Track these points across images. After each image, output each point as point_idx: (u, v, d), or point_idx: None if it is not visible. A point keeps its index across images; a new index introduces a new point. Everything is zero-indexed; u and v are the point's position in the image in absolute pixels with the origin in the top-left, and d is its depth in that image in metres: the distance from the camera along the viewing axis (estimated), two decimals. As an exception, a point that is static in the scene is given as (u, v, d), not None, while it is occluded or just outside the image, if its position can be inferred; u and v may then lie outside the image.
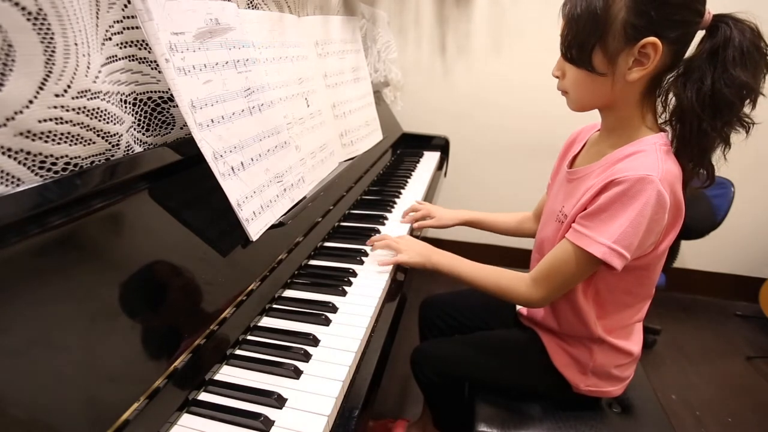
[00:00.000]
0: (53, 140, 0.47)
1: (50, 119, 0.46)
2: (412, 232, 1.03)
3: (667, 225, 0.64)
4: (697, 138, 0.62)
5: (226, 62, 0.69)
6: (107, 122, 0.53)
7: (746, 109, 0.61)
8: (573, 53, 0.64)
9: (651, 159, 0.62)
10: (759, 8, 0.61)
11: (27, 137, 0.44)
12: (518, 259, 2.06)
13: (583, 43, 0.63)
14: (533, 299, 0.72)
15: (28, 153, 0.45)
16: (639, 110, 0.67)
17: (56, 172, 0.49)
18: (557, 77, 0.71)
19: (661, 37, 0.59)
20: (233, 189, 0.66)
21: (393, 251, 0.86)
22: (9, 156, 0.44)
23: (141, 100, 0.62)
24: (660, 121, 0.68)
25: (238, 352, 0.62)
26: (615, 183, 0.62)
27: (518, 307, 0.93)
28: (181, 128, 0.68)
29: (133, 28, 0.58)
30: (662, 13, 0.58)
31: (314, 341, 0.64)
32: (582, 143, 0.81)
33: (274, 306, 0.72)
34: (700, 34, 0.63)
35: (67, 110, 0.47)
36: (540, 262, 0.72)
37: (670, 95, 0.65)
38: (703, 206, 1.46)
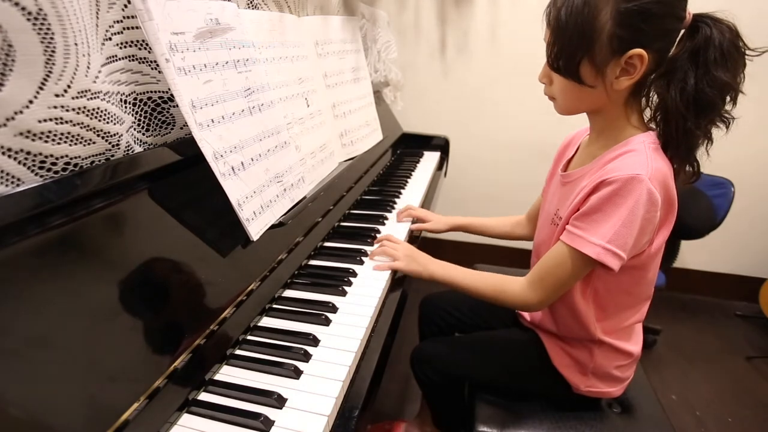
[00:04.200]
0: (53, 140, 0.47)
1: (50, 119, 0.46)
2: (412, 234, 1.04)
3: (659, 221, 0.65)
4: (683, 136, 0.63)
5: (226, 62, 0.69)
6: (107, 122, 0.53)
7: (727, 106, 0.63)
8: (560, 64, 0.65)
9: (640, 158, 0.62)
10: (736, 7, 0.62)
11: (27, 137, 0.44)
12: (517, 260, 2.05)
13: (570, 55, 0.63)
14: (531, 302, 0.72)
15: (28, 153, 0.45)
16: (624, 111, 0.68)
17: (56, 172, 0.49)
18: (544, 83, 0.72)
19: (647, 47, 0.60)
20: (234, 189, 0.66)
21: (391, 258, 0.86)
22: (9, 156, 0.44)
23: (141, 100, 0.62)
24: (645, 119, 0.69)
25: (238, 352, 0.62)
26: (605, 183, 0.62)
27: (518, 307, 0.93)
28: (181, 128, 0.68)
29: (133, 28, 0.58)
30: (648, 25, 0.59)
31: (314, 341, 0.64)
32: (576, 147, 0.81)
33: (274, 306, 0.72)
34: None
35: (67, 110, 0.47)
36: (535, 265, 0.72)
37: (653, 93, 0.66)
38: (703, 206, 1.46)
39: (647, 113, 0.69)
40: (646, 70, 0.62)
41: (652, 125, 0.68)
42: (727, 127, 0.64)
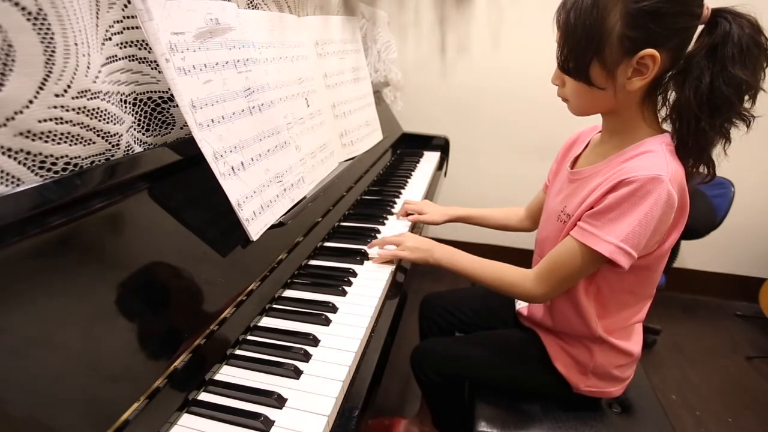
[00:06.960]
0: (53, 140, 0.47)
1: (50, 119, 0.46)
2: (413, 231, 1.04)
3: (671, 224, 0.64)
4: (695, 136, 0.62)
5: (226, 62, 0.69)
6: (107, 122, 0.53)
7: (746, 104, 0.61)
8: (570, 66, 0.64)
9: (660, 159, 0.62)
10: (759, 1, 0.61)
11: (27, 137, 0.44)
12: (516, 260, 2.05)
13: (579, 56, 0.62)
14: (536, 294, 0.73)
15: (28, 153, 0.45)
16: (640, 111, 0.67)
17: (56, 172, 0.49)
18: (557, 85, 0.71)
19: (659, 47, 0.59)
20: (233, 189, 0.66)
21: (395, 246, 0.86)
22: (9, 156, 0.44)
23: (141, 100, 0.62)
24: (660, 117, 0.68)
25: (238, 352, 0.62)
26: (625, 183, 0.61)
27: (518, 306, 0.93)
28: (181, 128, 0.68)
29: (133, 28, 0.58)
30: (659, 25, 0.58)
31: (314, 341, 0.64)
32: (583, 145, 0.81)
33: (274, 306, 0.72)
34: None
35: (67, 110, 0.47)
36: (543, 258, 0.72)
37: (670, 91, 0.65)
38: (703, 206, 1.46)
39: (662, 113, 0.67)
40: (660, 69, 0.61)
41: (666, 126, 0.67)
42: (748, 126, 0.62)
